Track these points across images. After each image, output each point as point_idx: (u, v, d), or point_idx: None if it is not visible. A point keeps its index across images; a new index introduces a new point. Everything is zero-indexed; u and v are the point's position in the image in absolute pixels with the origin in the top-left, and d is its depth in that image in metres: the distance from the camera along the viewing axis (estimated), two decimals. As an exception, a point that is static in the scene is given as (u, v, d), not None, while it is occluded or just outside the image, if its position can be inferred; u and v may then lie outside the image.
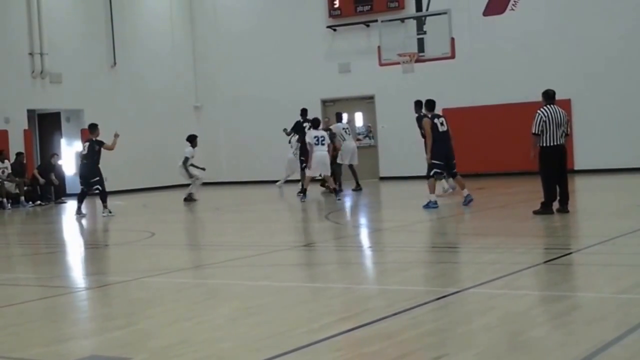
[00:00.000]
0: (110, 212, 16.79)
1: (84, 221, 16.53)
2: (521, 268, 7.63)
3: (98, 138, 17.01)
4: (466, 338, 5.28)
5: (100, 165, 17.06)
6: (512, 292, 6.69)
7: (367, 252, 10.37)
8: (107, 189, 17.36)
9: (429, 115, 14.79)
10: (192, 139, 20.28)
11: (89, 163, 16.95)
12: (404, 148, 23.34)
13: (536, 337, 5.17)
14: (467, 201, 14.48)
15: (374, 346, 5.15)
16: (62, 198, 22.96)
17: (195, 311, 6.59)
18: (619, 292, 6.37)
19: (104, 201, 16.96)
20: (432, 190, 14.57)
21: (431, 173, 14.58)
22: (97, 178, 16.92)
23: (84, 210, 17.39)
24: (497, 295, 6.58)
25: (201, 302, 7.07)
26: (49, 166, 22.92)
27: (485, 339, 5.21)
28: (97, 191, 17.10)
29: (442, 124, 14.55)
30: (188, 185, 20.41)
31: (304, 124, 19.70)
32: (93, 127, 17.18)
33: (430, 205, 14.30)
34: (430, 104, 14.95)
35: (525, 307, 6.00)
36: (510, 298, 6.45)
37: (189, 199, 19.88)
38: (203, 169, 20.56)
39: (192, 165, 20.11)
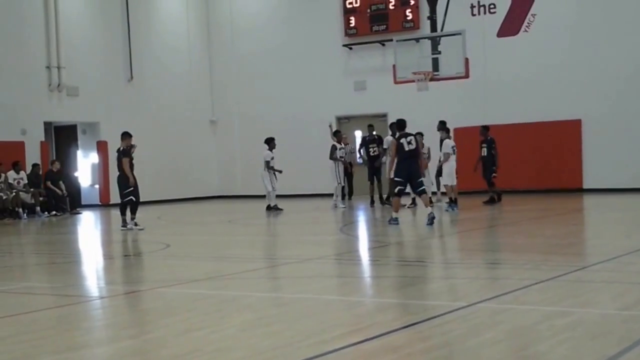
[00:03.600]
0: (131, 227, 16.08)
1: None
2: (528, 284, 7.70)
3: (125, 147, 16.30)
4: (473, 352, 5.34)
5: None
6: (519, 307, 6.76)
7: (377, 266, 10.45)
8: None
9: (396, 135, 14.99)
10: (269, 141, 20.34)
11: (120, 173, 16.39)
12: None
13: (541, 352, 5.23)
14: (430, 219, 14.45)
15: (382, 358, 5.23)
16: (77, 209, 23.17)
17: (207, 321, 6.68)
18: (622, 309, 6.45)
19: (128, 213, 16.16)
20: (396, 208, 14.92)
21: (395, 190, 14.82)
22: (131, 189, 16.22)
23: (135, 220, 16.34)
24: (504, 310, 6.65)
25: (213, 313, 7.15)
26: (54, 175, 22.80)
27: (492, 353, 5.28)
28: (128, 202, 16.27)
29: (409, 142, 14.68)
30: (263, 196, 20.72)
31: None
32: (122, 136, 16.54)
33: (391, 222, 14.63)
34: (399, 124, 15.19)
35: (532, 322, 6.06)
36: (517, 313, 6.51)
37: (275, 208, 20.07)
38: (280, 171, 20.53)
39: (272, 167, 20.21)
